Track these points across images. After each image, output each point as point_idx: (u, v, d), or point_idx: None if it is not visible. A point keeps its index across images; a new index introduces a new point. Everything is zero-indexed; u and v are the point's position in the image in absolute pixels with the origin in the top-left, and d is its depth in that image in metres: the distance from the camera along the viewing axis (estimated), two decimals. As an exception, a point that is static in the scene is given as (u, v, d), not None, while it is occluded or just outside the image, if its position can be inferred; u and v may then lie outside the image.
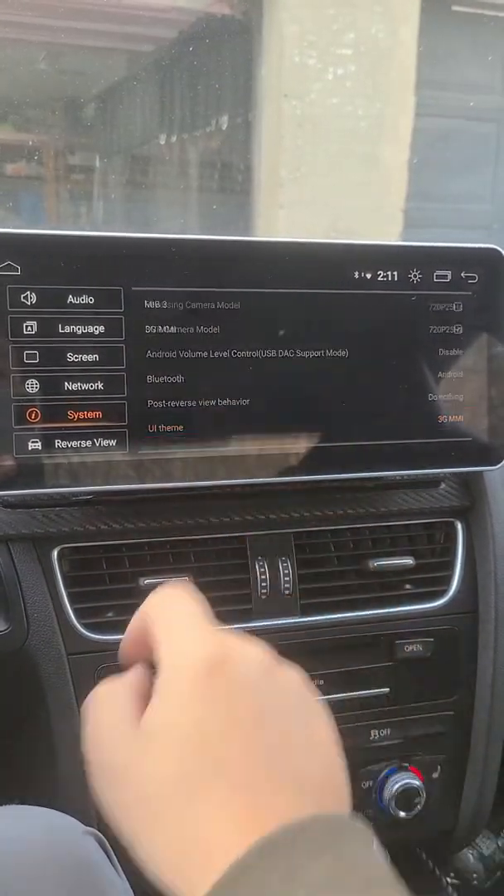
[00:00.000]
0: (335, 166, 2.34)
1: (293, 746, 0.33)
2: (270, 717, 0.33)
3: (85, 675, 0.56)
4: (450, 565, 0.64)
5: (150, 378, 0.52)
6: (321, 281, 0.55)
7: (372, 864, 0.29)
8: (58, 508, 0.55)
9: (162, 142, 2.35)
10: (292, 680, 0.35)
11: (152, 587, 0.56)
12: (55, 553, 0.56)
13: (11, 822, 0.48)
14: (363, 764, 0.65)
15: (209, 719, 0.31)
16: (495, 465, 0.59)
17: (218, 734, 0.31)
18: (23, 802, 0.48)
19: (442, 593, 0.64)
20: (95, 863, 0.47)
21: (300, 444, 0.55)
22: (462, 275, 0.57)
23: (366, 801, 0.66)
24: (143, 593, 0.57)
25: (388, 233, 2.36)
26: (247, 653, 0.34)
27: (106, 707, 0.35)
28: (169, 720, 0.32)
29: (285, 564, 0.60)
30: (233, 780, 0.31)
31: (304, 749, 0.33)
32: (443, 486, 0.63)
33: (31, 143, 2.10)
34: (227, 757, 0.31)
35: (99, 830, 0.49)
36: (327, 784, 0.33)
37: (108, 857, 0.48)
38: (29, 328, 0.50)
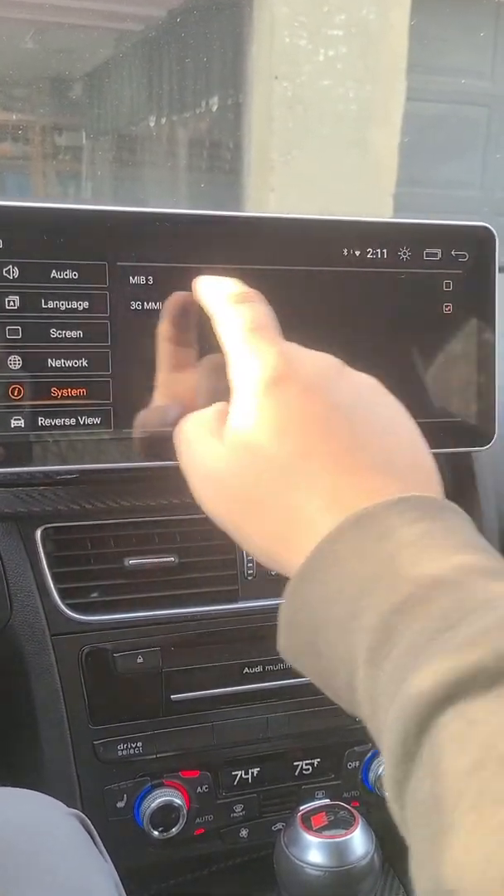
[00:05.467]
0: (326, 149, 2.32)
1: (375, 433, 0.34)
2: (346, 409, 0.34)
3: (69, 657, 0.56)
4: (437, 547, 0.64)
5: (135, 355, 0.51)
6: (309, 258, 0.54)
7: (469, 532, 0.31)
8: (41, 487, 0.55)
9: (151, 122, 2.33)
10: (366, 381, 0.37)
11: (137, 568, 0.56)
12: (38, 533, 0.55)
13: (-6, 804, 0.48)
14: (349, 745, 0.65)
15: (283, 417, 0.34)
16: (484, 445, 0.59)
17: (295, 428, 0.34)
18: (7, 785, 0.48)
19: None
20: (80, 844, 0.47)
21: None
22: (452, 253, 0.56)
23: (352, 781, 0.66)
24: (128, 574, 0.57)
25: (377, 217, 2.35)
26: (315, 359, 0.36)
27: (194, 432, 0.39)
28: (245, 425, 0.35)
29: (272, 545, 0.59)
30: (316, 465, 0.33)
31: (386, 435, 0.35)
32: (431, 467, 0.63)
33: (17, 121, 2.07)
34: (307, 446, 0.33)
35: (83, 812, 0.49)
36: (415, 467, 0.34)
37: (93, 838, 0.48)
38: (11, 303, 0.49)
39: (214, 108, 2.31)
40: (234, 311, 0.38)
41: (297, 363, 0.35)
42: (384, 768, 0.26)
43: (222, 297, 0.40)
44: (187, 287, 0.52)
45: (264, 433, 0.34)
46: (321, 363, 0.36)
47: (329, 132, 2.31)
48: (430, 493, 0.32)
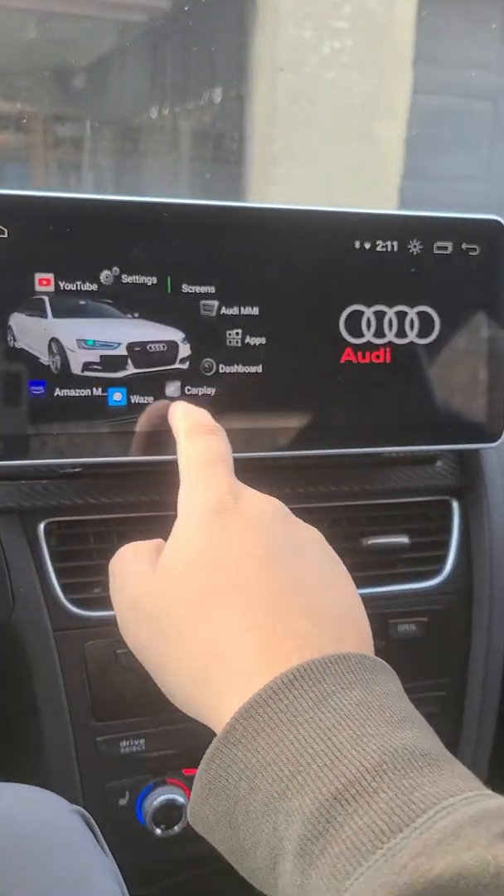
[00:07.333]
0: (330, 143, 2.31)
1: (311, 583, 0.33)
2: (286, 555, 0.33)
3: (71, 652, 0.55)
4: (445, 544, 0.63)
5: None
6: (320, 250, 0.53)
7: (402, 704, 0.30)
8: (45, 481, 0.54)
9: (153, 113, 2.31)
10: (310, 532, 0.36)
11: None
12: (41, 527, 0.55)
13: (-3, 800, 0.47)
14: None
15: (221, 548, 0.33)
16: (492, 442, 0.58)
17: (231, 561, 0.32)
18: (10, 781, 0.48)
19: (436, 572, 0.63)
20: (82, 840, 0.46)
21: (296, 419, 0.54)
22: (463, 246, 0.56)
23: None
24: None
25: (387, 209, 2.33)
26: (264, 502, 0.36)
27: (129, 558, 0.37)
28: (181, 551, 0.34)
29: (278, 541, 0.59)
30: (249, 600, 0.31)
31: (323, 586, 0.34)
32: (439, 463, 0.62)
33: (19, 112, 2.06)
34: (242, 580, 0.32)
35: (85, 809, 0.49)
36: (349, 621, 0.33)
37: (95, 835, 0.48)
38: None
39: (218, 100, 2.30)
40: (196, 441, 0.39)
41: (245, 501, 0.35)
42: None
43: (188, 426, 0.40)
44: (196, 278, 0.51)
45: (198, 561, 0.33)
46: (269, 507, 0.35)
47: (334, 125, 2.29)
48: (362, 650, 0.31)
